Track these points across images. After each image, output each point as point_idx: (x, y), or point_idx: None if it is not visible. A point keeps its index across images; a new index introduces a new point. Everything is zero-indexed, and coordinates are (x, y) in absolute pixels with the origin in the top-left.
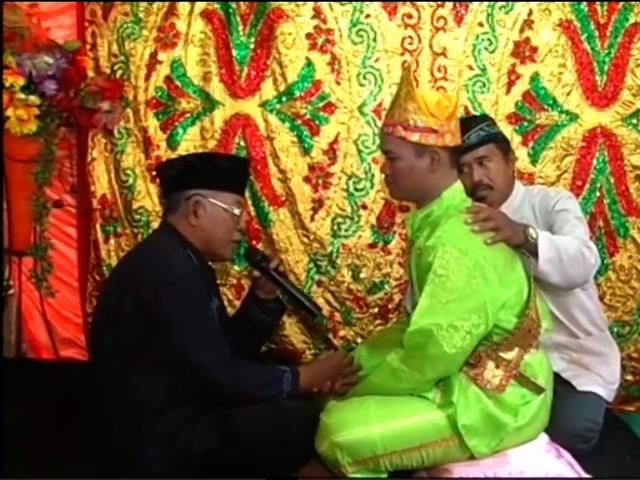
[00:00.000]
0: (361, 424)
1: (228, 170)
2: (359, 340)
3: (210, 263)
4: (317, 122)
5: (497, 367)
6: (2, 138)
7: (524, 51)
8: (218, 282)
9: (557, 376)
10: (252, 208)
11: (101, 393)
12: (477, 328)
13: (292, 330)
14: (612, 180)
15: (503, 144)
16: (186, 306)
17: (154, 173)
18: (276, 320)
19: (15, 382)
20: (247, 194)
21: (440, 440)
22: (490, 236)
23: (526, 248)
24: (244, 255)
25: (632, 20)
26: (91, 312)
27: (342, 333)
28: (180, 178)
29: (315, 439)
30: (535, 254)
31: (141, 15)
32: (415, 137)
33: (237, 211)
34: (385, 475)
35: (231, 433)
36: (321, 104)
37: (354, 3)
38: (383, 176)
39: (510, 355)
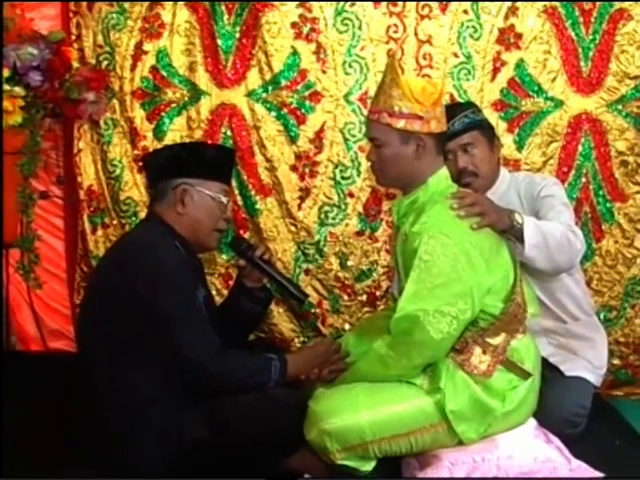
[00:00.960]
0: (349, 411)
1: (215, 159)
2: (347, 327)
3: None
4: (303, 111)
5: (484, 353)
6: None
7: (509, 38)
8: (206, 271)
9: (545, 361)
10: (239, 197)
11: (90, 384)
12: (463, 313)
13: (281, 319)
14: (597, 166)
15: (488, 131)
16: (176, 299)
17: (141, 164)
18: (263, 309)
19: (4, 375)
20: (234, 184)
21: (428, 426)
22: (476, 221)
23: (512, 233)
24: (230, 244)
25: (617, 6)
26: (79, 303)
27: (330, 321)
28: (167, 167)
29: (304, 427)
30: (521, 239)
31: (126, 5)
32: (401, 124)
33: (224, 199)
34: (374, 462)
35: (220, 422)
36: (307, 93)
37: None
38: (369, 163)
39: (497, 340)
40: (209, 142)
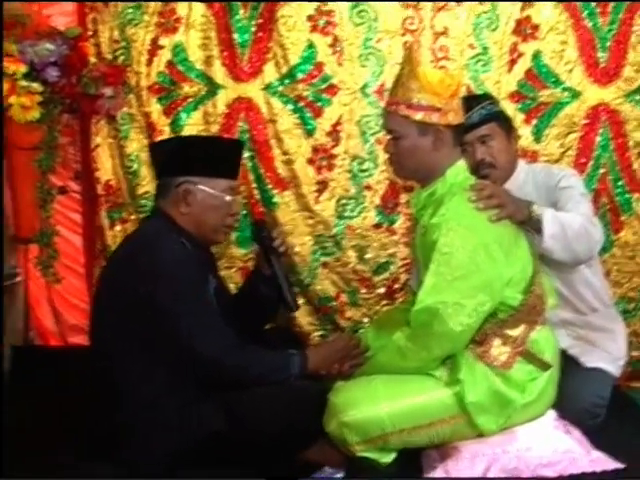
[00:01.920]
0: (369, 403)
1: (220, 155)
2: (365, 320)
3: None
4: (320, 104)
5: (503, 344)
6: (2, 126)
7: (525, 29)
8: (224, 265)
9: (564, 353)
10: (256, 191)
11: (106, 378)
12: (483, 305)
13: (299, 312)
14: (616, 157)
15: (505, 122)
16: (184, 297)
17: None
18: (280, 296)
19: (23, 369)
20: (251, 177)
21: (448, 418)
22: (494, 213)
23: (530, 225)
24: (252, 225)
25: None
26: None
27: (348, 314)
28: (169, 163)
29: (323, 419)
30: (539, 230)
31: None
32: (418, 116)
33: (228, 198)
34: (394, 454)
35: (238, 414)
36: (323, 86)
37: None
38: (387, 156)
39: (516, 332)
40: (215, 135)
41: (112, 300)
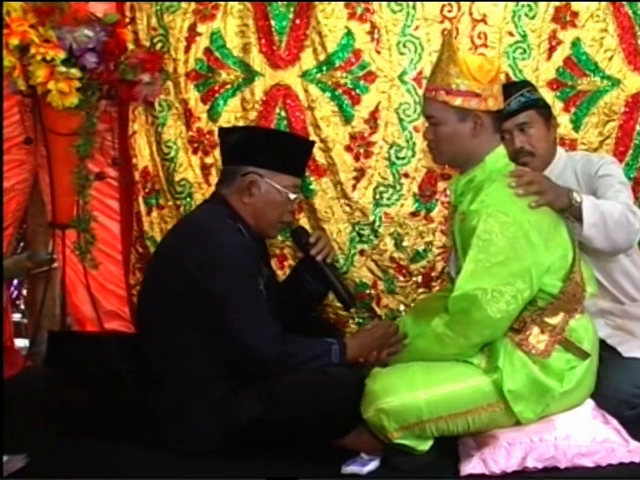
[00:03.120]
0: (407, 390)
1: (290, 152)
2: (402, 309)
3: None
4: (358, 91)
5: (542, 332)
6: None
7: (565, 16)
8: None
9: (602, 342)
10: None
11: (149, 364)
12: (522, 292)
13: (335, 299)
14: None
15: (544, 110)
16: (235, 285)
17: (195, 145)
18: (327, 288)
19: (60, 354)
20: None
21: (486, 405)
22: (534, 200)
23: (570, 212)
24: (291, 233)
25: None
26: (135, 284)
27: (385, 302)
28: (239, 151)
29: (361, 405)
30: (579, 218)
31: None
32: (458, 101)
33: (292, 196)
34: (431, 441)
35: (278, 401)
36: (361, 73)
37: None
38: (425, 143)
39: (555, 320)
40: (289, 132)
41: (164, 282)
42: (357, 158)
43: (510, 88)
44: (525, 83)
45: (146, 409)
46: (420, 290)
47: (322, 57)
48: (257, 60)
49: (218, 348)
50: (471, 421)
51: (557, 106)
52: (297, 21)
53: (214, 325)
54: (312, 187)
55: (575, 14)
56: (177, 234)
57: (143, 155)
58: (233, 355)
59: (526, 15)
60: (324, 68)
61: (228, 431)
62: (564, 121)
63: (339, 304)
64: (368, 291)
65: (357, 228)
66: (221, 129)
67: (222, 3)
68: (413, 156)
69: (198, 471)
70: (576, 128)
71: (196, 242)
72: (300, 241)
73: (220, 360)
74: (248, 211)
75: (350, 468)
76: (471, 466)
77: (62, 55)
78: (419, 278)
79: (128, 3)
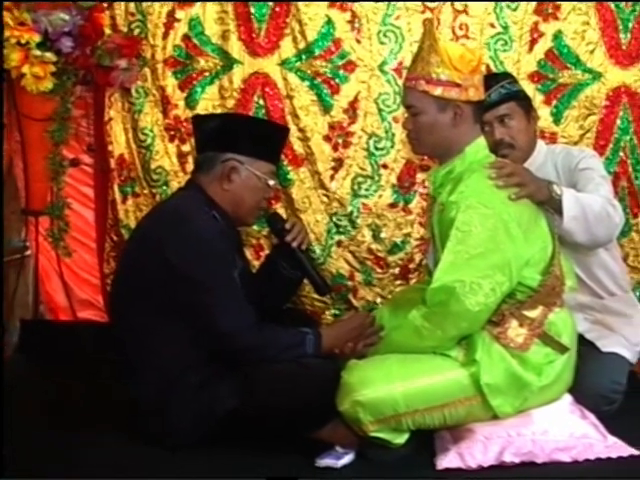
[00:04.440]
0: (383, 382)
1: (268, 139)
2: (379, 300)
3: None
4: (337, 81)
5: (521, 325)
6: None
7: (547, 9)
8: None
9: (581, 337)
10: None
11: (124, 353)
12: (501, 285)
13: (312, 290)
14: (636, 140)
15: (524, 102)
16: (211, 270)
17: (172, 132)
18: (302, 274)
19: (33, 343)
20: None
21: (463, 399)
22: (514, 192)
23: (550, 205)
24: (267, 220)
25: None
26: (109, 273)
27: (362, 294)
28: (219, 138)
29: (337, 398)
30: (559, 211)
31: None
32: (438, 91)
33: (271, 182)
34: (407, 434)
35: (253, 392)
36: (341, 62)
37: None
38: (405, 133)
39: (534, 313)
40: (262, 118)
41: (135, 274)
42: (335, 148)
43: (491, 79)
44: (506, 75)
45: (122, 399)
46: (397, 282)
47: (302, 45)
48: (236, 47)
49: (194, 335)
50: (448, 414)
51: (538, 99)
52: (277, 9)
53: (190, 311)
54: (290, 177)
55: (557, 7)
56: (152, 220)
57: (119, 142)
58: (208, 342)
59: (508, 7)
60: (303, 57)
61: (204, 423)
62: (545, 114)
63: (315, 295)
64: (345, 282)
65: (334, 219)
66: (195, 116)
67: None
68: (392, 147)
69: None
70: (556, 121)
71: (172, 228)
72: (276, 227)
73: (196, 348)
74: (227, 198)
75: (325, 461)
76: (447, 460)
77: (37, 38)
78: (396, 270)
79: None
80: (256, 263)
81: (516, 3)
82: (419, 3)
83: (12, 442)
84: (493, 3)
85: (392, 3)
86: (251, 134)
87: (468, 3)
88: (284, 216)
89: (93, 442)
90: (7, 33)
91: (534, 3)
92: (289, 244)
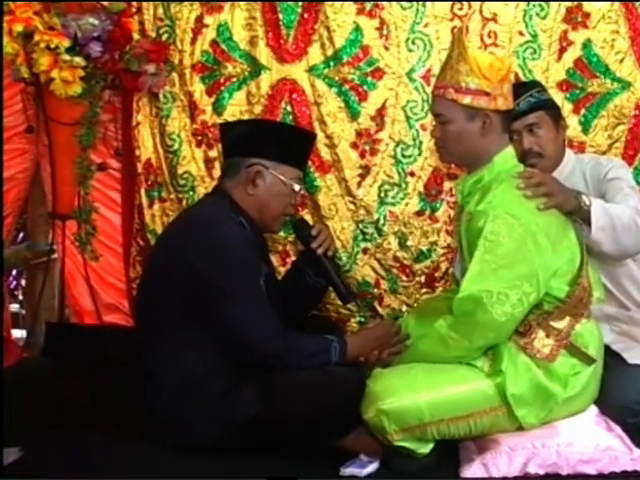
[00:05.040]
0: (408, 391)
1: (295, 144)
2: (405, 309)
3: None
4: (365, 88)
5: (547, 336)
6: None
7: (576, 17)
8: None
9: (607, 348)
10: None
11: (147, 358)
12: (528, 296)
13: (337, 297)
14: None
15: (553, 111)
16: (237, 278)
17: (199, 138)
18: (327, 283)
19: (58, 346)
20: None
21: (488, 409)
22: (542, 201)
23: (579, 215)
24: (293, 225)
25: None
26: (135, 277)
27: (387, 301)
28: (244, 144)
29: (361, 406)
30: (588, 222)
31: None
32: (467, 100)
33: (297, 187)
34: (432, 444)
35: (276, 399)
36: (369, 69)
37: None
38: (432, 141)
39: (561, 324)
40: (291, 124)
41: (160, 280)
42: (363, 155)
43: (519, 88)
44: (535, 83)
45: (143, 404)
46: (423, 290)
47: (330, 52)
48: (264, 54)
49: (217, 342)
50: (473, 425)
51: (566, 108)
52: (305, 15)
53: (214, 318)
54: (316, 183)
55: (587, 15)
56: (179, 227)
57: (146, 147)
58: (233, 349)
59: (537, 15)
60: (331, 63)
61: (225, 429)
62: (573, 123)
63: (340, 302)
64: (370, 290)
65: (361, 226)
66: (222, 124)
67: None
68: (419, 155)
69: (197, 470)
70: (585, 130)
71: (198, 234)
72: (302, 233)
73: (219, 356)
74: (252, 203)
75: (349, 470)
76: (472, 470)
77: (66, 43)
78: (422, 278)
79: None
80: (282, 269)
81: (546, 11)
82: (447, 11)
83: (30, 444)
84: (522, 11)
85: (420, 10)
86: (277, 139)
87: (497, 11)
88: (310, 223)
89: (112, 446)
90: (37, 37)
91: (563, 12)
92: (315, 251)
